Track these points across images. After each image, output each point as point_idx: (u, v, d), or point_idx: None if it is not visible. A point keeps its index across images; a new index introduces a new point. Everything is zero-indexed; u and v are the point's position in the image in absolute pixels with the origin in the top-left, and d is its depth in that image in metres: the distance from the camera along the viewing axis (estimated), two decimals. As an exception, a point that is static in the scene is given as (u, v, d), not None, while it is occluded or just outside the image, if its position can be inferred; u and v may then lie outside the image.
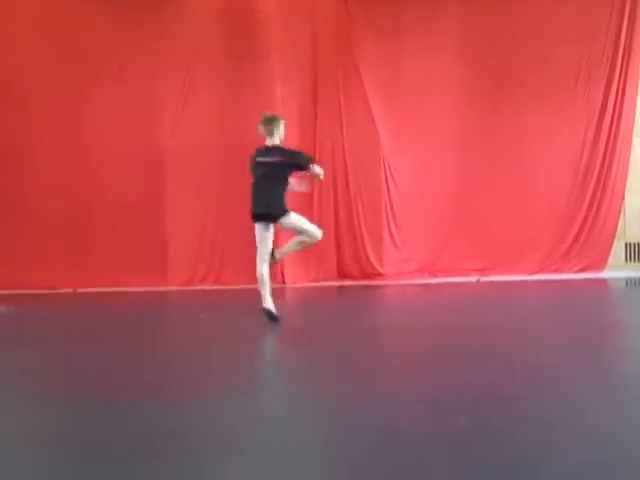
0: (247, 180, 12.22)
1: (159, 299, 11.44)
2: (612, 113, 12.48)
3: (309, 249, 12.45)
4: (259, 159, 8.28)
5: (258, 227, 8.33)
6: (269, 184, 8.17)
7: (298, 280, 12.36)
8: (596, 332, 7.48)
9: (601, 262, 12.51)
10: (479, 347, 6.72)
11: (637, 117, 12.51)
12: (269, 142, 8.26)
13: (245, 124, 12.37)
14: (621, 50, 12.41)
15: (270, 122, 8.25)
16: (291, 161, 8.14)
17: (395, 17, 12.54)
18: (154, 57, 12.34)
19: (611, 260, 12.53)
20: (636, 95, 12.47)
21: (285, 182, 8.19)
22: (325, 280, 12.43)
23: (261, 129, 8.29)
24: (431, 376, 5.68)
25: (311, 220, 12.38)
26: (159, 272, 12.30)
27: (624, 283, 11.88)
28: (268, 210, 8.18)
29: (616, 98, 12.47)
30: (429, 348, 6.82)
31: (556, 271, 12.42)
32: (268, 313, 7.96)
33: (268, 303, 7.98)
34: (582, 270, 12.41)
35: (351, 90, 12.54)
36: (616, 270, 12.45)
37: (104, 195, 12.38)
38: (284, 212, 8.12)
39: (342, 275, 12.59)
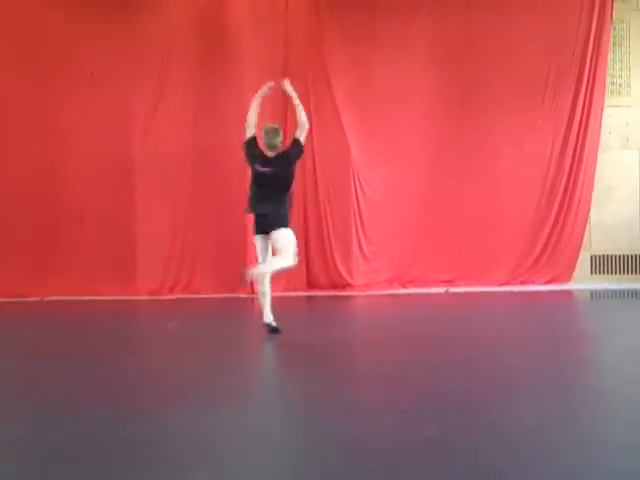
0: (218, 187, 12.37)
1: (128, 308, 11.40)
2: (579, 125, 12.62)
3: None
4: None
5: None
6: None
7: (267, 290, 12.36)
8: (560, 344, 7.58)
9: (567, 274, 12.66)
10: (446, 358, 6.78)
11: (602, 131, 12.67)
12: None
13: (216, 131, 12.43)
14: (588, 62, 12.56)
15: (279, 133, 8.06)
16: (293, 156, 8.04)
17: (366, 26, 12.62)
18: (125, 63, 12.36)
19: (577, 272, 12.68)
20: (603, 106, 12.63)
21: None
22: (294, 290, 12.45)
23: (267, 139, 8.01)
24: (399, 387, 5.72)
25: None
26: (128, 280, 12.27)
27: (589, 295, 12.02)
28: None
29: (583, 109, 12.61)
30: (397, 359, 6.86)
31: (523, 283, 12.54)
32: (269, 327, 7.79)
33: (268, 317, 7.82)
34: (549, 282, 12.55)
35: (321, 99, 12.60)
36: (582, 282, 12.61)
37: (73, 202, 12.35)
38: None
39: (311, 285, 12.62)
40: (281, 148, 8.07)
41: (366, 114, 12.63)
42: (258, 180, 7.99)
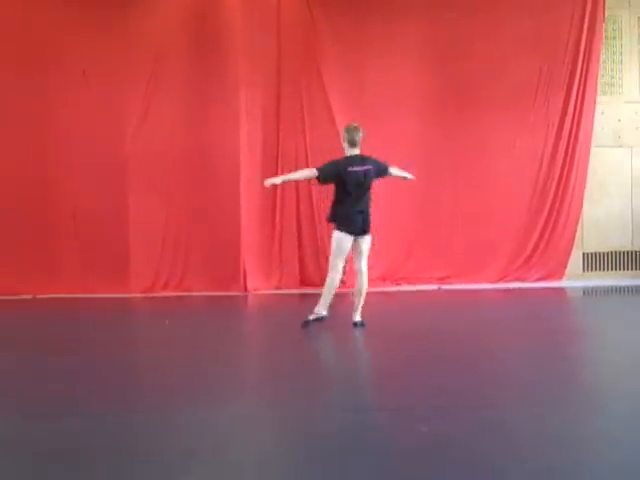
0: (211, 185, 12.36)
1: (120, 305, 11.37)
2: (571, 124, 12.65)
3: (270, 255, 12.56)
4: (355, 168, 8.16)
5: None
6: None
7: (260, 287, 12.38)
8: (554, 340, 7.59)
9: (559, 271, 12.69)
10: (439, 355, 6.79)
11: (595, 128, 12.70)
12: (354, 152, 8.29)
13: (209, 129, 12.42)
14: (580, 62, 12.58)
15: (359, 133, 8.30)
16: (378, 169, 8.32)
17: (359, 26, 12.61)
18: (117, 61, 12.31)
19: (569, 269, 12.71)
20: (594, 106, 12.65)
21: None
22: (287, 288, 12.46)
23: (353, 138, 8.26)
24: (393, 383, 5.73)
25: (273, 227, 12.56)
26: (121, 278, 12.24)
27: (581, 292, 12.05)
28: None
29: (575, 109, 12.64)
30: (390, 355, 6.87)
31: (516, 280, 12.57)
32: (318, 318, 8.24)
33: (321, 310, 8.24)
34: (541, 279, 12.58)
35: (314, 97, 12.60)
36: (574, 279, 12.64)
37: (65, 200, 12.31)
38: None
39: (304, 283, 12.62)
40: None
41: (359, 113, 12.57)
42: (355, 183, 8.11)
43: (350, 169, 8.11)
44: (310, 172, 8.58)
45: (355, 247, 8.19)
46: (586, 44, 12.61)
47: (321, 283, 12.48)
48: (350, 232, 8.09)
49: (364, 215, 8.13)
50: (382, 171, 8.48)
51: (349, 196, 8.11)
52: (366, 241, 8.22)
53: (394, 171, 8.71)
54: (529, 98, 12.62)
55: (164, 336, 8.22)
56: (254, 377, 6.31)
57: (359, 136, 8.28)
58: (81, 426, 4.54)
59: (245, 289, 12.29)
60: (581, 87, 12.63)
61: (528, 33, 12.46)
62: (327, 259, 12.50)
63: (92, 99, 12.29)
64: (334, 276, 8.35)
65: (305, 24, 12.64)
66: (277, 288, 12.47)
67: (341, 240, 8.12)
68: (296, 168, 12.52)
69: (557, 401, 4.97)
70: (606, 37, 12.74)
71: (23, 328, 9.13)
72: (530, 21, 12.48)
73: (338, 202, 8.20)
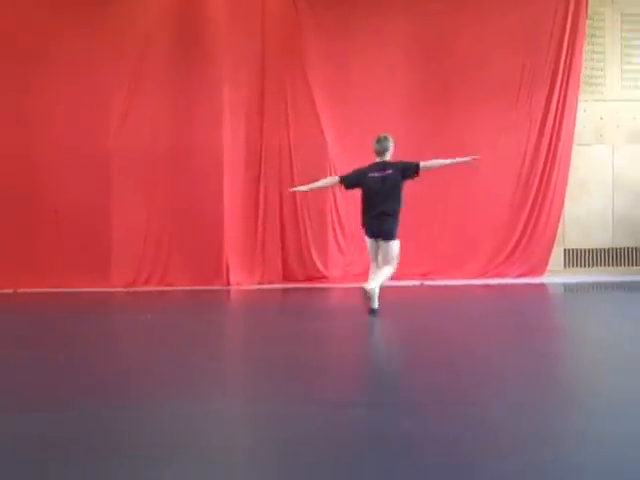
0: (193, 180, 12.35)
1: (102, 300, 11.35)
2: (553, 121, 12.71)
3: (253, 250, 12.57)
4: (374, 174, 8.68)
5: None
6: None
7: (243, 282, 12.38)
8: (534, 336, 7.63)
9: (541, 267, 12.76)
10: (421, 351, 6.82)
11: (577, 125, 12.76)
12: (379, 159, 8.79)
13: (192, 126, 12.41)
14: (563, 59, 12.64)
15: (384, 142, 8.79)
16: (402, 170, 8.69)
17: (344, 22, 12.63)
18: (101, 58, 12.28)
19: (550, 266, 12.78)
20: (577, 103, 12.72)
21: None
22: (270, 283, 12.48)
23: (375, 148, 8.80)
24: (373, 379, 5.75)
25: (255, 222, 12.56)
26: (103, 273, 12.24)
27: (562, 288, 12.12)
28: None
29: (557, 106, 12.69)
30: (371, 351, 6.89)
31: (498, 276, 12.63)
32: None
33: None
34: (522, 275, 12.64)
35: (299, 94, 12.61)
36: (555, 275, 12.71)
37: (48, 195, 12.28)
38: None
39: (287, 278, 12.64)
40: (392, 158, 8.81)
41: (343, 109, 12.64)
42: (372, 188, 8.64)
43: (370, 175, 8.66)
44: (332, 179, 9.57)
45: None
46: (569, 41, 12.67)
47: (304, 278, 12.61)
48: (367, 234, 8.73)
49: (379, 220, 8.59)
50: (410, 170, 8.79)
51: (365, 201, 8.67)
52: (384, 246, 8.66)
53: (430, 163, 8.98)
54: (512, 95, 12.66)
55: (145, 331, 8.21)
56: (236, 372, 6.31)
57: (381, 146, 8.77)
58: (62, 421, 4.53)
59: (228, 284, 12.29)
60: (564, 84, 12.68)
61: (512, 29, 12.50)
62: (310, 254, 12.67)
63: (75, 94, 12.25)
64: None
65: (290, 20, 12.64)
66: (260, 283, 12.48)
67: (366, 240, 8.79)
68: (279, 167, 12.60)
69: (537, 398, 5.00)
70: (589, 34, 12.79)
71: (3, 322, 9.09)
72: (514, 17, 12.53)
73: (362, 206, 8.74)
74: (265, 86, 12.60)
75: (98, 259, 12.23)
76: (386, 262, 8.63)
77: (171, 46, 12.44)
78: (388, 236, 8.59)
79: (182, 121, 12.41)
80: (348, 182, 8.90)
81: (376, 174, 8.64)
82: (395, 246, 8.67)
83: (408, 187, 12.41)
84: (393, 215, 8.63)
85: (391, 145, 8.81)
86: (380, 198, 8.56)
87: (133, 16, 12.39)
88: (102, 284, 12.08)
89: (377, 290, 8.42)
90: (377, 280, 8.49)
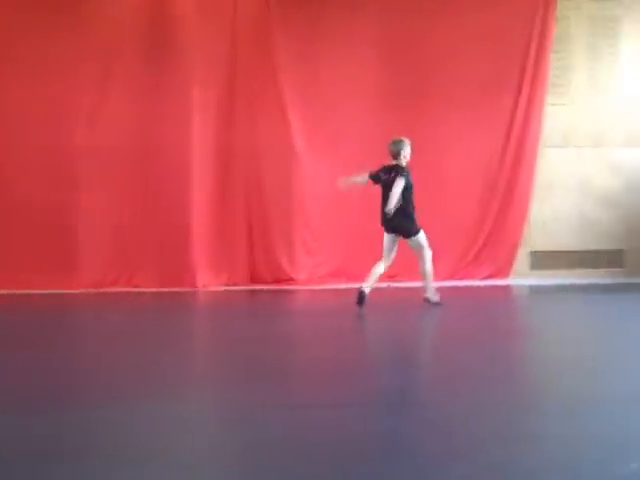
0: (161, 181, 12.29)
1: (68, 301, 11.28)
2: (521, 123, 12.81)
3: (221, 252, 12.54)
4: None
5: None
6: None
7: (209, 284, 12.36)
8: (497, 338, 7.69)
9: (507, 269, 12.84)
10: (384, 352, 6.85)
11: (544, 128, 12.86)
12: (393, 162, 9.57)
13: (162, 126, 12.36)
14: (531, 62, 12.73)
15: (395, 145, 9.57)
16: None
17: (314, 21, 12.63)
18: (70, 56, 12.20)
19: (516, 268, 12.87)
20: (544, 106, 12.82)
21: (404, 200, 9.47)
22: (237, 284, 12.46)
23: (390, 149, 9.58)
24: (337, 382, 5.77)
25: (223, 224, 12.53)
26: (69, 274, 12.13)
27: (528, 290, 12.21)
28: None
29: (525, 108, 12.79)
30: (336, 353, 6.91)
31: (464, 278, 12.70)
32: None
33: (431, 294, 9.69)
34: (488, 277, 12.71)
35: (268, 94, 12.59)
36: (521, 277, 12.80)
37: (14, 194, 12.16)
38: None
39: (254, 280, 12.63)
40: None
41: (313, 110, 12.65)
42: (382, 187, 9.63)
43: (382, 176, 9.59)
44: (364, 177, 9.88)
45: None
46: (537, 45, 12.76)
47: (271, 279, 12.60)
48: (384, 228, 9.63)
49: (387, 216, 9.46)
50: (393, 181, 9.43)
51: (382, 198, 9.51)
52: (408, 243, 9.72)
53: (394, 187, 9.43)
54: (480, 96, 12.72)
55: (109, 333, 8.17)
56: (201, 374, 6.30)
57: (393, 148, 9.60)
58: (26, 424, 4.50)
59: (195, 286, 12.26)
60: (531, 87, 12.78)
61: (481, 32, 12.56)
62: (278, 256, 12.66)
63: (44, 93, 12.16)
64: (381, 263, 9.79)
65: (261, 20, 12.62)
66: (227, 285, 12.46)
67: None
68: (247, 167, 12.59)
69: (497, 399, 5.05)
70: (557, 38, 12.89)
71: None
72: (483, 19, 12.59)
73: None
74: (235, 86, 12.59)
75: (65, 260, 12.13)
76: (417, 257, 9.71)
77: (141, 44, 12.38)
78: (404, 233, 9.60)
79: (150, 120, 12.36)
80: (372, 178, 9.77)
81: (385, 176, 9.56)
82: (416, 240, 9.61)
83: (375, 188, 12.55)
84: (398, 214, 9.45)
85: (402, 148, 9.58)
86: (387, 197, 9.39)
87: (102, 14, 12.31)
88: (69, 285, 11.97)
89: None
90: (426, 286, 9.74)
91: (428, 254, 9.66)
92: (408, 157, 9.63)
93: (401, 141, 9.54)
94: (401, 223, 9.52)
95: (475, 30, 12.57)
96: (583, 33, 13.08)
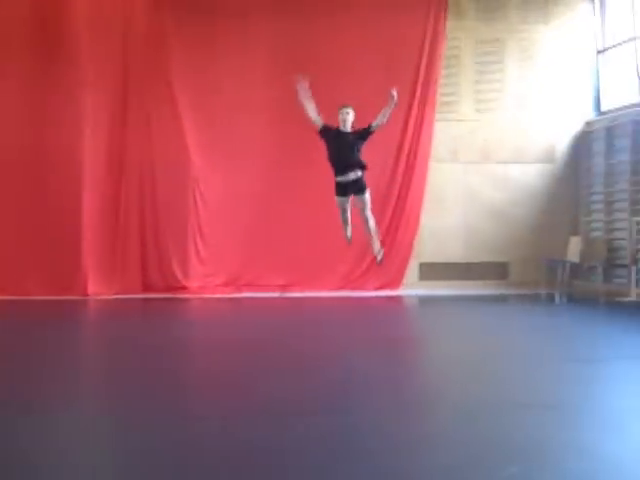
0: (50, 187, 12.06)
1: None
2: (411, 138, 13.10)
3: (113, 260, 12.39)
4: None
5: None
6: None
7: (101, 292, 12.19)
8: (389, 347, 7.87)
9: (397, 280, 13.10)
10: (275, 362, 6.92)
11: (433, 144, 13.21)
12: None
13: (53, 130, 12.15)
14: (421, 80, 13.06)
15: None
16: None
17: (208, 32, 12.63)
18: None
19: (406, 278, 13.16)
20: (433, 122, 13.16)
21: None
22: (129, 293, 12.33)
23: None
24: (228, 391, 5.80)
25: (116, 233, 12.39)
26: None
27: (417, 300, 12.50)
28: None
29: (415, 123, 13.09)
30: (227, 363, 6.94)
31: (356, 288, 12.89)
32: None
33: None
34: (380, 287, 12.94)
35: (162, 103, 12.52)
36: (411, 288, 13.10)
37: None
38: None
39: (146, 288, 12.52)
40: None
41: (207, 120, 12.63)
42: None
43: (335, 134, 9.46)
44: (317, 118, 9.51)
45: None
46: (427, 63, 13.09)
47: (163, 288, 12.51)
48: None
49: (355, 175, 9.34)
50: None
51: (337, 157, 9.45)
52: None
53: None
54: (372, 110, 12.93)
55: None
56: (86, 386, 6.23)
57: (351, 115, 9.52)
58: None
59: (86, 294, 12.08)
60: (421, 103, 13.09)
61: (372, 50, 12.82)
62: (170, 264, 12.57)
63: None
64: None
65: (153, 27, 12.53)
66: (118, 293, 12.32)
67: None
68: (140, 176, 12.48)
69: (392, 407, 5.18)
70: (446, 57, 13.26)
71: None
72: (378, 36, 12.84)
73: None
74: (128, 92, 12.46)
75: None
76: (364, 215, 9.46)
77: (33, 50, 12.14)
78: (363, 189, 9.34)
79: (42, 125, 12.15)
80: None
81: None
82: (368, 195, 9.40)
83: (269, 198, 12.67)
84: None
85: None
86: None
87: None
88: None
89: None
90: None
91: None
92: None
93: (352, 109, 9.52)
94: (362, 179, 9.30)
95: (367, 48, 12.82)
96: (470, 53, 13.51)
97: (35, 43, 12.17)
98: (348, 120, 9.45)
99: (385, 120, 9.35)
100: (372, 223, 9.48)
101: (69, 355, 7.33)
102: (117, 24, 12.42)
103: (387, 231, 13.03)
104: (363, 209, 9.29)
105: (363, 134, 9.29)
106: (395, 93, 9.28)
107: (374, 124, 9.29)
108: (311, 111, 9.43)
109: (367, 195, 9.26)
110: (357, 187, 9.18)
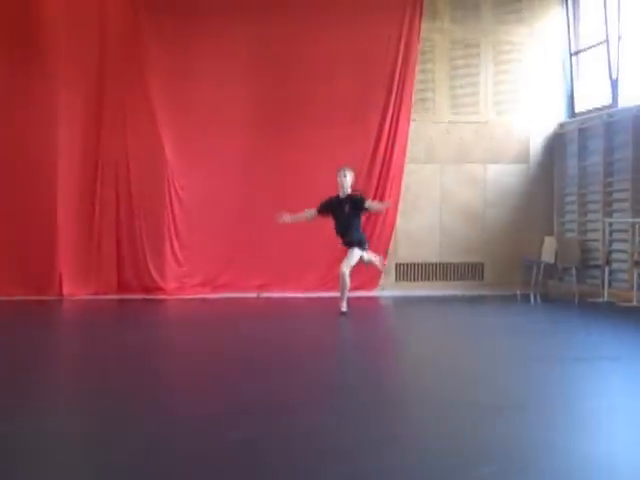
0: (26, 187, 11.99)
1: None
2: (387, 138, 13.15)
3: (88, 260, 12.35)
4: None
5: None
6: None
7: (77, 293, 12.15)
8: (363, 347, 7.92)
9: (374, 281, 13.14)
10: (250, 362, 6.94)
11: (409, 145, 13.27)
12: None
13: (27, 129, 12.09)
14: (396, 81, 13.11)
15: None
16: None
17: (185, 32, 12.60)
18: None
19: (383, 279, 13.21)
20: (409, 123, 13.22)
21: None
22: (105, 294, 12.29)
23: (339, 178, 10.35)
24: (203, 392, 5.82)
25: (91, 233, 12.35)
26: None
27: (393, 301, 12.56)
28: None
29: (391, 125, 13.14)
30: (201, 363, 6.96)
31: (333, 289, 12.88)
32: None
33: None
34: (357, 288, 12.92)
35: (137, 102, 12.48)
36: (387, 289, 13.16)
37: None
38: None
39: (122, 289, 12.48)
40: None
41: (183, 120, 12.62)
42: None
43: (335, 207, 10.45)
44: (310, 212, 10.61)
45: None
46: (402, 65, 13.14)
47: (140, 289, 12.47)
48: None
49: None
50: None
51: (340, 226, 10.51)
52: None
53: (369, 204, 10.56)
54: (350, 112, 13.01)
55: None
56: (60, 388, 6.21)
57: (348, 179, 10.38)
58: None
59: (61, 294, 12.04)
60: (397, 105, 13.15)
61: (348, 51, 12.87)
62: (147, 265, 12.53)
63: None
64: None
65: (129, 27, 12.50)
66: (94, 294, 12.28)
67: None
68: (116, 175, 12.45)
69: (363, 408, 5.22)
70: (421, 59, 13.32)
71: None
72: (353, 38, 12.88)
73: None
74: (104, 92, 12.42)
75: None
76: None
77: (7, 48, 12.07)
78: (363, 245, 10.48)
79: (15, 124, 12.09)
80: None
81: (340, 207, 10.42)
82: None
83: (247, 199, 12.68)
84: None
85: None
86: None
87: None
88: None
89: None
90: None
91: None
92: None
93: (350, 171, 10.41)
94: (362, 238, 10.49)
95: (343, 48, 12.87)
96: (446, 54, 13.58)
97: (9, 42, 12.09)
98: (346, 182, 10.29)
99: (374, 211, 11.06)
100: (373, 259, 10.81)
101: (42, 356, 7.30)
102: (93, 23, 12.37)
103: (363, 232, 13.04)
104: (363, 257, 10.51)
105: (359, 206, 10.29)
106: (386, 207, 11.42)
107: (368, 205, 10.43)
108: (302, 218, 10.55)
109: (366, 253, 10.51)
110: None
